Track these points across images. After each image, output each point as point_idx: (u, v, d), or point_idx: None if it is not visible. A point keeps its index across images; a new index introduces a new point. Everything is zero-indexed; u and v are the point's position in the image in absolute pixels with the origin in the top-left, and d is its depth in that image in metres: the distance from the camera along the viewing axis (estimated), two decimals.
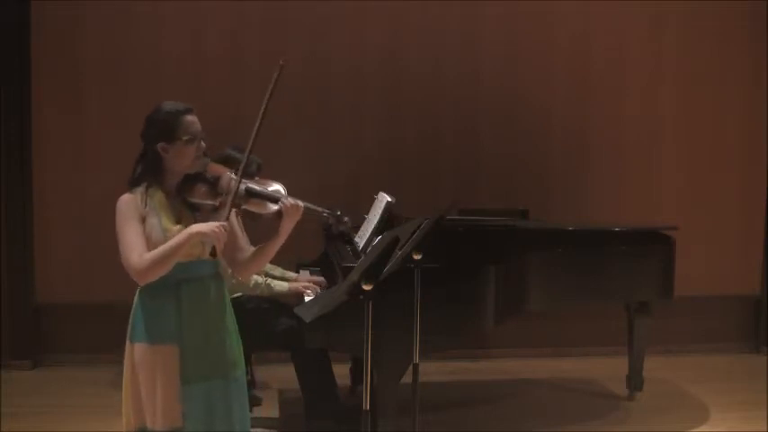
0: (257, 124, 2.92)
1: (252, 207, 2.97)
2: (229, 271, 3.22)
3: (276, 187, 3.03)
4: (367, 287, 2.65)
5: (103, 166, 5.52)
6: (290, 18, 5.74)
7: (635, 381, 5.15)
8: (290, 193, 3.03)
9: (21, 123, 5.56)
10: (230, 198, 2.87)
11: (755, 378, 5.69)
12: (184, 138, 2.86)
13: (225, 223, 2.81)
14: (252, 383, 4.94)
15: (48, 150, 5.62)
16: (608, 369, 5.62)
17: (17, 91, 5.54)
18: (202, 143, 2.92)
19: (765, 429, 4.75)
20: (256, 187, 2.99)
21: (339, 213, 3.06)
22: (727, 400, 5.20)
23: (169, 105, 2.91)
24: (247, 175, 3.38)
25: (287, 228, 2.96)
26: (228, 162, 3.66)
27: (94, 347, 5.58)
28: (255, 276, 4.31)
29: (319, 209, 3.02)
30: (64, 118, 5.61)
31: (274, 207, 2.96)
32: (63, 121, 5.62)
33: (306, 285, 4.45)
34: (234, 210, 2.92)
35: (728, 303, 6.31)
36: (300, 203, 2.96)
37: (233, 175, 2.94)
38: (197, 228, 2.80)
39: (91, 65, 5.61)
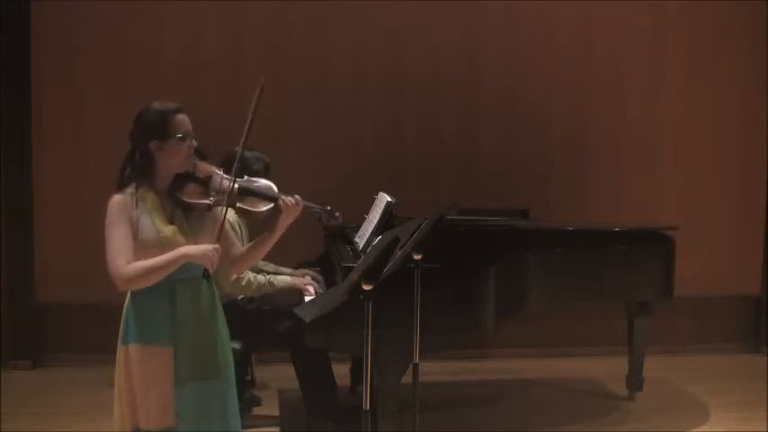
0: (242, 140, 2.93)
1: (246, 205, 2.98)
2: (232, 277, 3.26)
3: (268, 184, 3.05)
4: (367, 287, 2.65)
5: (103, 166, 5.46)
6: (291, 18, 5.74)
7: (635, 381, 5.15)
8: (290, 191, 3.03)
9: (21, 123, 5.56)
10: (226, 197, 2.88)
11: (755, 378, 5.69)
12: (177, 135, 2.86)
13: (218, 246, 2.80)
14: (252, 383, 4.94)
15: (48, 150, 5.62)
16: (608, 369, 5.62)
17: (17, 91, 5.54)
18: (193, 141, 2.93)
19: (765, 429, 4.76)
20: (251, 186, 3.01)
21: (329, 208, 3.20)
22: (727, 400, 5.20)
23: (160, 104, 2.92)
24: (248, 174, 3.38)
25: (284, 224, 3.00)
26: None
27: (94, 347, 5.55)
28: (259, 277, 4.30)
29: (311, 204, 3.10)
30: (64, 118, 5.61)
31: (269, 205, 2.98)
32: (63, 121, 5.61)
33: (307, 282, 4.45)
34: (229, 208, 2.93)
35: (728, 303, 6.31)
36: (301, 201, 3.01)
37: (224, 174, 2.96)
38: (185, 250, 2.79)
39: (91, 65, 5.60)
